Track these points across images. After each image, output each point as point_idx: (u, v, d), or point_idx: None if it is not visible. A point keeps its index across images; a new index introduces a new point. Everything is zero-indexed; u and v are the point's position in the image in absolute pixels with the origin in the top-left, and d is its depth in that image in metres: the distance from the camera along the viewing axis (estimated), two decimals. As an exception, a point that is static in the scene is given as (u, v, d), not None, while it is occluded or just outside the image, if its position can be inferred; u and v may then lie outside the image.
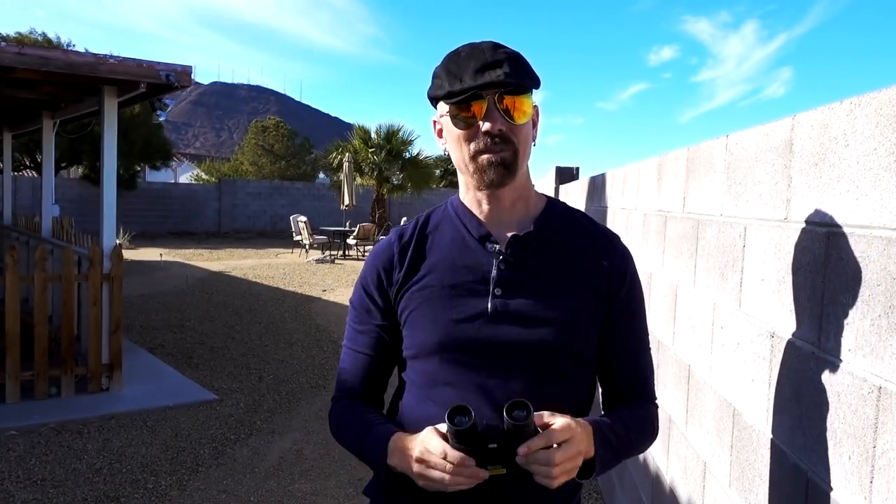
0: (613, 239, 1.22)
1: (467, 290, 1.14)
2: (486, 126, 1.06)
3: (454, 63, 1.09)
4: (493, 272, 1.14)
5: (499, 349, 1.11)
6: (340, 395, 1.27)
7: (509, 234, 1.16)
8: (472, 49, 1.09)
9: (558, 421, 1.00)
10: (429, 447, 1.00)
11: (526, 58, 1.12)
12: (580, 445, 1.00)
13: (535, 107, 1.16)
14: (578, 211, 1.25)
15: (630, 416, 1.18)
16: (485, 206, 1.17)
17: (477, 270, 1.15)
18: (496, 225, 1.17)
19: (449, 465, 0.96)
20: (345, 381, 1.26)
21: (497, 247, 1.15)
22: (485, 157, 1.08)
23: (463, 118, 1.08)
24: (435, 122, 1.18)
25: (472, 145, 1.09)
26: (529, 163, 1.19)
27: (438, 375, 1.14)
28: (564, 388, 1.14)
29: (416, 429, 1.19)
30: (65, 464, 3.71)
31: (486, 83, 1.04)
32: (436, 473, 0.98)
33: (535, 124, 1.16)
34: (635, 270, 1.22)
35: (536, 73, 1.13)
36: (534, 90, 1.12)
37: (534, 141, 1.16)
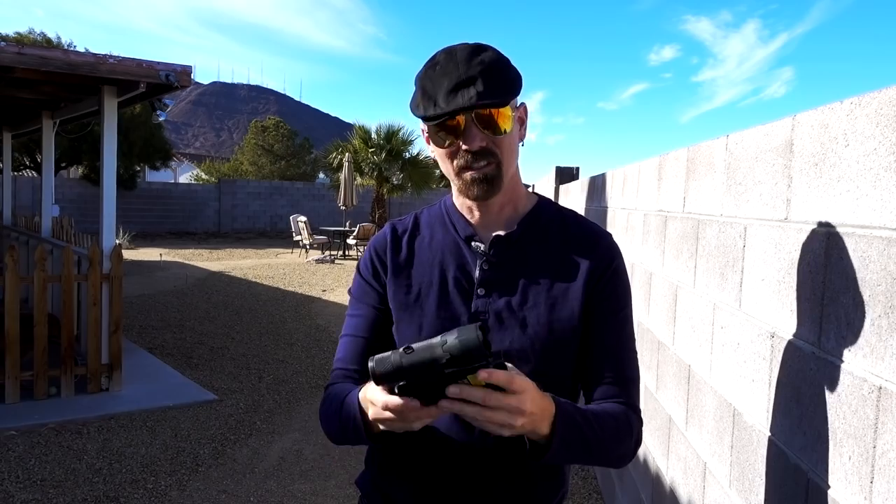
0: (600, 235, 1.19)
1: (454, 289, 1.14)
2: (465, 145, 1.06)
3: (429, 80, 1.06)
4: (477, 272, 1.14)
5: None
6: (331, 383, 1.23)
7: (494, 234, 1.16)
8: (446, 60, 1.06)
9: (503, 372, 0.88)
10: (374, 401, 0.94)
11: (505, 61, 1.09)
12: (525, 403, 0.89)
13: (522, 104, 1.14)
14: (568, 210, 1.23)
15: (604, 409, 1.09)
16: (475, 212, 1.17)
17: (463, 270, 1.15)
18: (484, 226, 1.17)
19: (396, 417, 0.91)
20: (338, 367, 1.22)
21: (481, 247, 1.15)
22: (468, 174, 1.08)
23: (443, 136, 1.07)
24: (423, 129, 1.16)
25: (455, 162, 1.08)
26: (529, 163, 1.19)
27: None
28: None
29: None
30: (64, 464, 3.71)
31: (459, 108, 1.02)
32: (396, 425, 0.94)
33: (522, 123, 1.14)
34: (622, 268, 1.18)
35: (518, 75, 1.10)
36: (515, 97, 1.09)
37: (522, 141, 1.15)
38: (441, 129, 1.06)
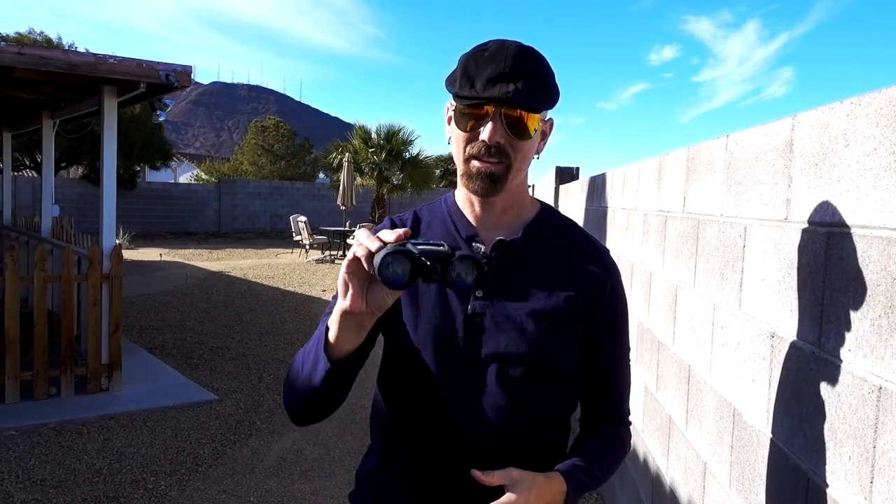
0: (601, 253, 1.21)
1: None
2: (484, 135, 1.06)
3: (474, 62, 1.07)
4: None
5: (475, 351, 1.11)
6: None
7: (497, 238, 1.15)
8: (496, 51, 1.06)
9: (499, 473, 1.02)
10: (363, 236, 0.94)
11: (552, 73, 1.10)
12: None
13: (550, 120, 1.14)
14: (570, 221, 1.24)
15: (604, 447, 1.20)
16: (476, 209, 1.17)
17: None
18: (485, 227, 1.17)
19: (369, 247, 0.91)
20: None
21: (482, 248, 1.15)
22: (475, 164, 1.08)
23: (467, 120, 1.08)
24: (448, 107, 1.17)
25: (469, 148, 1.08)
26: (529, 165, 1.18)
27: (417, 371, 1.14)
28: (540, 398, 1.14)
29: (394, 425, 1.18)
30: (64, 464, 3.71)
31: (494, 98, 1.03)
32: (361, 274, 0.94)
33: (545, 136, 1.15)
34: (620, 287, 1.21)
35: (558, 91, 1.11)
36: (549, 109, 1.11)
37: (538, 154, 1.15)
38: (468, 112, 1.07)
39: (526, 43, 1.10)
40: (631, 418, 1.29)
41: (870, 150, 1.06)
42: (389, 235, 0.92)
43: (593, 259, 1.18)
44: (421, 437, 1.15)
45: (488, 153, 1.06)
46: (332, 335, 1.01)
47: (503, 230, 1.17)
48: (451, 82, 1.10)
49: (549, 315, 1.12)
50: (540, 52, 1.11)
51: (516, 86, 1.02)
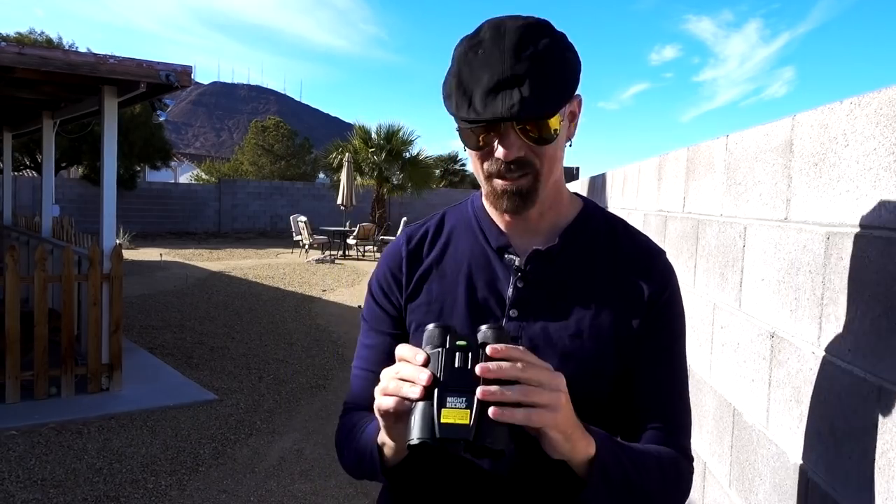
0: (655, 254, 1.02)
1: (482, 308, 0.99)
2: (499, 154, 0.90)
3: (468, 67, 0.90)
4: (510, 290, 0.98)
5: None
6: (343, 414, 1.10)
7: (532, 247, 0.99)
8: (492, 43, 0.88)
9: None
10: (403, 357, 0.82)
11: (562, 50, 0.90)
12: (558, 377, 0.79)
13: (577, 97, 0.96)
14: (618, 219, 1.06)
15: (646, 448, 0.97)
16: (507, 216, 1.00)
17: (493, 287, 1.00)
18: (518, 234, 1.01)
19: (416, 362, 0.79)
20: (351, 403, 1.08)
21: (515, 260, 0.99)
22: (499, 183, 0.93)
23: (475, 137, 0.92)
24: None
25: (486, 165, 0.93)
26: None
27: None
28: None
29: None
30: (65, 464, 3.71)
31: (498, 117, 0.86)
32: (400, 381, 0.80)
33: (574, 118, 0.97)
34: (678, 294, 1.02)
35: (575, 68, 0.92)
36: (567, 100, 0.92)
37: (570, 140, 0.99)
38: (474, 131, 0.91)
39: (525, 16, 0.92)
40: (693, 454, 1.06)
41: (869, 150, 1.06)
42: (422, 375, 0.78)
43: (646, 266, 1.00)
44: (446, 472, 0.99)
45: (509, 170, 0.91)
46: (386, 457, 0.92)
47: (540, 236, 1.01)
48: (446, 97, 0.93)
49: (595, 337, 0.96)
50: (542, 24, 0.92)
51: (521, 93, 0.85)
